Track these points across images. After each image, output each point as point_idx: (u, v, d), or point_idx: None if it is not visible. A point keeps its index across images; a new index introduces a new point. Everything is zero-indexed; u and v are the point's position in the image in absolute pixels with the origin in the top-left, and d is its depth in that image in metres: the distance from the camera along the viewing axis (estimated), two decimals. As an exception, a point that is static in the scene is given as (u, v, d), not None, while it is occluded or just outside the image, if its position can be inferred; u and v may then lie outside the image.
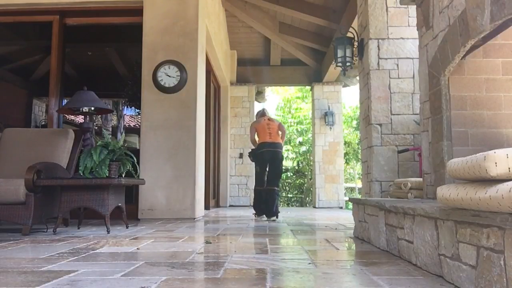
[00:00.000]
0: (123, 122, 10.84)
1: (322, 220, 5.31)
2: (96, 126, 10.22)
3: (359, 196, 10.67)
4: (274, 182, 5.59)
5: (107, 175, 3.62)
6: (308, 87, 11.32)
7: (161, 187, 5.05)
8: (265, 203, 5.41)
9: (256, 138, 5.75)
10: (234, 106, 10.03)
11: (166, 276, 1.78)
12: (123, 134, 10.36)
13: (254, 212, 5.63)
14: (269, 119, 5.76)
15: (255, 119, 6.23)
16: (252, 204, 6.09)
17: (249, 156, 5.83)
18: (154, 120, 5.17)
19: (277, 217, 5.35)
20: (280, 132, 5.69)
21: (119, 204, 3.85)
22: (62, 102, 5.57)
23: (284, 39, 8.82)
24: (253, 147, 5.82)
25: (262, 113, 5.93)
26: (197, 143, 5.19)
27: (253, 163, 5.91)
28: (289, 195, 14.94)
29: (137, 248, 2.64)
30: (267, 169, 5.62)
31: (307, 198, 13.41)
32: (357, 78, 7.14)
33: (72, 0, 5.46)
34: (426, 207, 1.87)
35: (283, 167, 6.20)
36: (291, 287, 1.63)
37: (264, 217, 5.36)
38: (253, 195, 5.93)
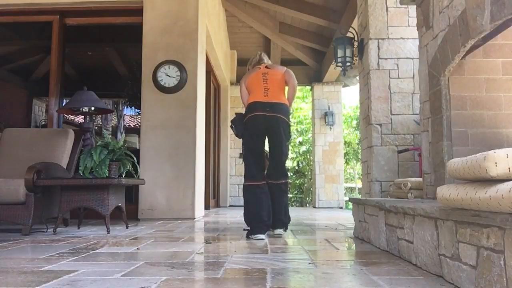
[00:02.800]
0: (123, 122, 10.85)
1: (322, 220, 5.31)
2: (96, 126, 10.23)
3: (359, 196, 10.67)
4: (278, 172, 3.45)
5: (107, 175, 3.62)
6: (308, 87, 11.32)
7: (161, 187, 5.05)
8: (263, 208, 3.32)
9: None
10: (234, 106, 10.01)
11: (166, 276, 1.78)
12: (123, 134, 10.37)
13: (246, 228, 3.48)
14: (268, 66, 3.63)
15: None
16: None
17: (231, 126, 3.63)
18: (154, 120, 5.17)
19: (285, 230, 3.45)
20: (287, 88, 3.59)
21: (119, 204, 3.85)
22: (62, 102, 5.57)
23: (284, 39, 8.82)
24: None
25: (258, 60, 3.77)
26: (197, 143, 5.19)
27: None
28: (289, 195, 14.94)
29: (137, 248, 2.64)
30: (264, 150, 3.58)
31: (307, 198, 13.41)
32: (357, 78, 7.14)
33: (72, 0, 5.45)
34: (426, 207, 1.87)
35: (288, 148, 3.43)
36: (291, 287, 1.63)
37: (262, 236, 3.18)
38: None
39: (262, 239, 3.15)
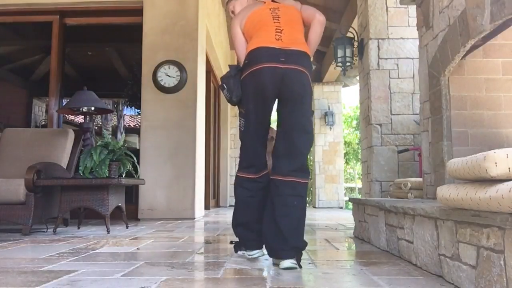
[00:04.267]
0: (123, 122, 10.86)
1: (322, 220, 5.31)
2: (96, 126, 10.23)
3: (359, 196, 10.67)
4: (294, 162, 2.13)
5: (107, 175, 3.62)
6: (308, 87, 11.31)
7: (161, 187, 5.05)
8: (255, 212, 2.20)
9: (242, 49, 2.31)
10: (234, 106, 10.02)
11: (166, 276, 1.78)
12: (123, 134, 10.37)
13: (233, 240, 2.46)
14: (276, 0, 2.37)
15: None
16: None
17: (221, 87, 2.30)
18: (154, 120, 5.17)
19: (299, 261, 2.01)
20: (312, 29, 2.30)
21: (119, 204, 3.85)
22: (62, 102, 5.57)
23: (284, 39, 8.80)
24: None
25: None
26: (197, 143, 5.19)
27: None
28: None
29: (137, 248, 2.64)
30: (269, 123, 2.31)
31: (307, 198, 13.42)
32: (357, 78, 7.14)
33: (72, 0, 5.45)
34: (426, 207, 1.87)
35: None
36: (291, 287, 1.63)
37: (257, 253, 2.21)
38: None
39: (261, 255, 2.20)
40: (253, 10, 2.31)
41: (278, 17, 2.24)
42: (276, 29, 2.18)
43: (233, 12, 2.56)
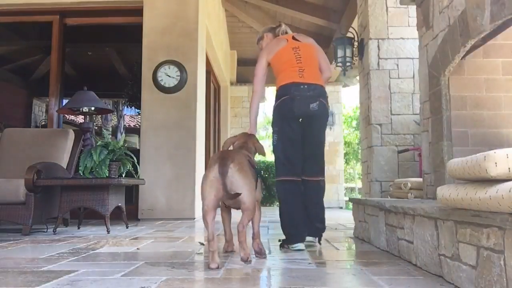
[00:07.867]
0: (123, 122, 10.85)
1: (322, 220, 5.30)
2: (96, 126, 10.23)
3: (359, 196, 10.66)
4: (317, 166, 2.82)
5: (107, 175, 3.62)
6: (308, 87, 11.30)
7: (161, 187, 5.05)
8: (300, 211, 2.69)
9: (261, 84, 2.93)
10: (234, 106, 10.03)
11: (166, 276, 1.78)
12: (123, 134, 10.37)
13: (281, 239, 2.76)
14: (295, 37, 2.92)
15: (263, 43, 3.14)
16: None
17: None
18: (154, 120, 5.17)
19: (320, 239, 2.81)
20: (322, 65, 2.89)
21: (119, 204, 3.85)
22: (62, 102, 5.57)
23: (284, 39, 8.80)
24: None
25: (282, 30, 3.07)
26: (197, 143, 5.19)
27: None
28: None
29: (137, 248, 2.64)
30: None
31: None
32: (357, 78, 7.14)
33: (72, 0, 5.46)
34: (426, 207, 1.87)
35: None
36: (291, 287, 1.63)
37: (300, 246, 2.59)
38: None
39: (303, 249, 2.57)
40: (278, 50, 2.87)
41: (300, 58, 2.80)
42: (299, 68, 2.77)
43: (261, 48, 3.12)
